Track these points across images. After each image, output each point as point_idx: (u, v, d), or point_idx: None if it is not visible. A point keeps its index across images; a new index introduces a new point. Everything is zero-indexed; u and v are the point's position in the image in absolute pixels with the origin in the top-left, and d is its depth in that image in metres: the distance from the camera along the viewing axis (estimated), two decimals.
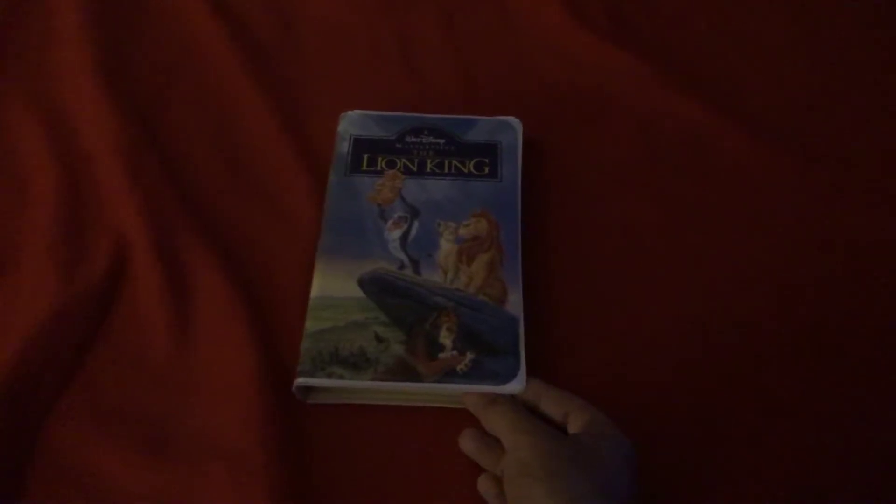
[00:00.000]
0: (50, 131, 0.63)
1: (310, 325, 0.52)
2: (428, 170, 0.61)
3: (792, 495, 0.49)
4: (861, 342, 0.55)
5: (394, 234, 0.57)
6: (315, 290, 0.54)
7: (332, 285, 0.54)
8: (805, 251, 0.60)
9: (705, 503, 0.49)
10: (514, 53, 0.72)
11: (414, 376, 0.50)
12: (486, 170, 0.61)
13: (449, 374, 0.51)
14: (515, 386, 0.50)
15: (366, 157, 0.61)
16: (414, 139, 0.63)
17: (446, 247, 0.56)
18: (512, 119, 0.64)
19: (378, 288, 0.54)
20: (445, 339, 0.52)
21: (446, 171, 0.61)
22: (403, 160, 0.61)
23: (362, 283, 0.54)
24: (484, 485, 0.47)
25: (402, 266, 0.55)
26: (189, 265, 0.56)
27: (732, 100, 0.68)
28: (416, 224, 0.58)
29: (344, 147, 0.62)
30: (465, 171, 0.61)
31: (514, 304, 0.54)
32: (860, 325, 0.56)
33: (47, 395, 0.50)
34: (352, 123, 0.63)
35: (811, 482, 0.50)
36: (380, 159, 0.61)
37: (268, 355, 0.52)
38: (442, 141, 0.63)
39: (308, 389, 0.51)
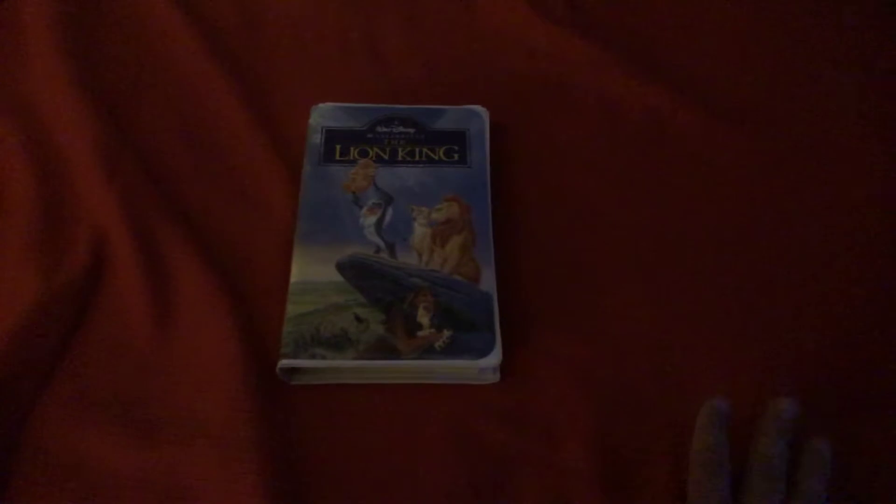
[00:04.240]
0: (25, 133, 0.63)
1: (291, 309, 0.54)
2: (399, 158, 0.62)
3: None
4: (817, 318, 0.57)
5: (369, 220, 0.59)
6: (294, 276, 0.55)
7: (311, 270, 0.56)
8: (764, 230, 0.62)
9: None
10: (476, 45, 0.74)
11: (394, 354, 0.52)
12: (456, 156, 0.63)
13: (428, 351, 0.52)
14: (491, 360, 0.52)
15: (338, 147, 0.63)
16: (385, 129, 0.64)
17: (420, 230, 0.58)
18: (478, 108, 0.66)
19: (356, 271, 0.56)
20: (423, 317, 0.54)
21: (417, 158, 0.63)
22: (375, 149, 0.63)
23: (341, 267, 0.56)
24: None
25: (377, 250, 0.57)
26: (168, 256, 0.57)
27: (692, 85, 0.71)
28: (390, 210, 0.59)
29: (316, 138, 0.63)
30: (436, 158, 0.63)
31: (488, 281, 0.56)
32: (822, 298, 0.58)
33: (32, 387, 0.51)
34: (323, 115, 0.65)
35: None
36: (352, 149, 0.63)
37: (250, 340, 0.53)
38: (412, 130, 0.64)
39: (292, 371, 0.53)
